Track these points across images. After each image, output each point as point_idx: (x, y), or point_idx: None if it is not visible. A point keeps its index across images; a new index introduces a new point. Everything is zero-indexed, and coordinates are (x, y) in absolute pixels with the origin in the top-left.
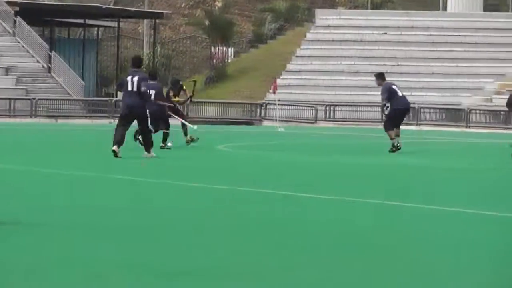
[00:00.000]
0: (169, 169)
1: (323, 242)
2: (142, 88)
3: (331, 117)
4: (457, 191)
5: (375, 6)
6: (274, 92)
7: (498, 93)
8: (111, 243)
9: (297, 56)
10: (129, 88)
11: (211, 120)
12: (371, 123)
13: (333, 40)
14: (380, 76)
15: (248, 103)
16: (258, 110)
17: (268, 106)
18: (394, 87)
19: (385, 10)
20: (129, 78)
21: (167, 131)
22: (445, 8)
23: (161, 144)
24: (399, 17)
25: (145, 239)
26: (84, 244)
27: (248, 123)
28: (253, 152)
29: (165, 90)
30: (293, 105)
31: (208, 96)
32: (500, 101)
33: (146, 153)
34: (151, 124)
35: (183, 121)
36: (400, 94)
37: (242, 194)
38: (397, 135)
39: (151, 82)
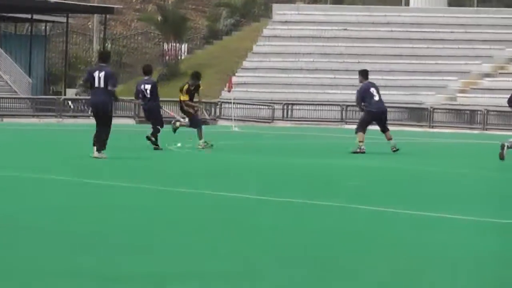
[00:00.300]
0: (117, 169)
1: (268, 248)
2: (109, 87)
3: (289, 116)
4: (401, 193)
5: (335, 1)
6: (229, 90)
7: (462, 91)
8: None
9: (253, 53)
10: (96, 85)
11: (163, 119)
12: (330, 123)
13: (291, 36)
14: (361, 73)
15: (202, 102)
16: (213, 109)
17: (223, 105)
18: (372, 89)
19: (345, 5)
20: (96, 73)
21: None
22: (407, 3)
23: (153, 144)
24: (359, 12)
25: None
26: (24, 248)
27: (202, 122)
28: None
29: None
30: (249, 104)
31: (160, 94)
32: (464, 100)
33: (96, 152)
34: (149, 120)
35: (176, 118)
36: (376, 98)
37: (188, 196)
38: (389, 139)
39: (146, 77)
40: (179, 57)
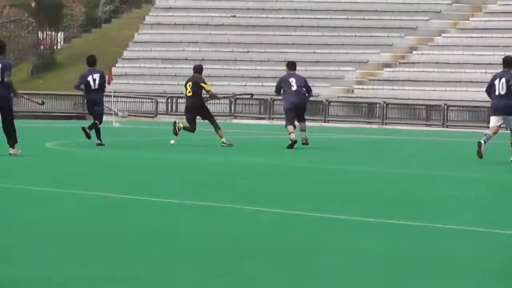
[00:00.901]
0: None
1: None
2: (6, 78)
3: (174, 110)
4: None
5: None
6: (109, 83)
7: (360, 83)
8: None
9: (135, 42)
10: None
11: (37, 114)
12: (218, 117)
13: (175, 24)
14: (287, 65)
15: (79, 95)
16: None
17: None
18: (290, 79)
19: None
20: None
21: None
22: None
23: (97, 141)
24: None
25: None
26: None
27: (79, 117)
28: (83, 150)
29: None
30: (131, 97)
31: (35, 87)
32: (362, 92)
33: (11, 149)
34: (94, 113)
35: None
36: (293, 88)
37: (69, 197)
38: (303, 129)
39: (91, 68)
40: (55, 47)
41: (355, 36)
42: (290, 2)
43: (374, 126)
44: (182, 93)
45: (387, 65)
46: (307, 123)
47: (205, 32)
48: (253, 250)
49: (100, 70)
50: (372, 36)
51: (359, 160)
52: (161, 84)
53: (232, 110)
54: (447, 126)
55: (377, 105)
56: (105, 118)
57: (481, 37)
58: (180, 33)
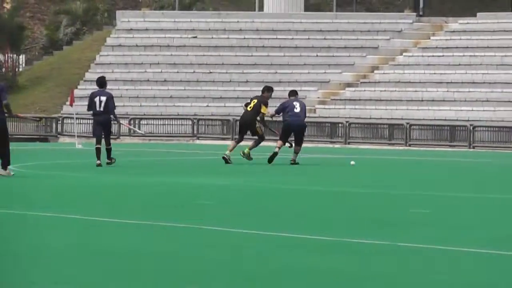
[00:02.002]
0: None
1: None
2: (4, 102)
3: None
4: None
5: (183, 7)
6: (71, 105)
7: (322, 102)
8: None
9: (96, 64)
10: None
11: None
12: (182, 138)
13: (137, 45)
14: (290, 93)
15: (42, 117)
16: (54, 125)
17: (65, 120)
18: (295, 103)
19: (195, 11)
20: None
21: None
22: (261, 8)
23: (107, 160)
24: (209, 18)
25: None
26: None
27: (42, 139)
28: (46, 173)
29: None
30: (93, 119)
31: None
32: (325, 112)
33: (2, 170)
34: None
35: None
36: (296, 110)
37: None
38: (296, 152)
39: (100, 89)
40: (17, 69)
41: (317, 56)
42: (251, 22)
43: (337, 145)
44: (144, 115)
45: (349, 85)
46: (268, 143)
47: (167, 53)
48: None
49: (109, 92)
50: (333, 56)
51: (319, 180)
52: (123, 106)
53: (195, 131)
54: (409, 145)
55: (340, 124)
56: (68, 140)
57: (443, 55)
58: (141, 55)
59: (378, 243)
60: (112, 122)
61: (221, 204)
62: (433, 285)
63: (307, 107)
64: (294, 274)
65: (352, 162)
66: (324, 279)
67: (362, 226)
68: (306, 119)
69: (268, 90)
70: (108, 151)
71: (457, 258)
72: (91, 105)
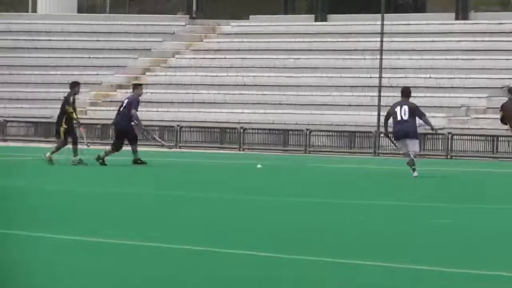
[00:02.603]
0: None
1: None
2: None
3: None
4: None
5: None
6: None
7: (94, 104)
8: None
9: None
10: None
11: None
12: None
13: None
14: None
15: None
16: None
17: None
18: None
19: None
20: None
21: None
22: (34, 9)
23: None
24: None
25: None
26: None
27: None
28: None
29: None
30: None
31: None
32: (96, 113)
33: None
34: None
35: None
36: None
37: None
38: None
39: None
40: None
41: (89, 57)
42: (24, 24)
43: (108, 147)
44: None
45: (120, 86)
46: (40, 145)
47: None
48: None
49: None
50: (106, 57)
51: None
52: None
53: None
54: (179, 147)
55: (112, 127)
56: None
57: (215, 58)
58: None
59: None
60: None
61: None
62: None
63: (79, 108)
64: None
65: (259, 166)
66: None
67: None
68: (80, 120)
69: (73, 86)
70: None
71: None
72: None
